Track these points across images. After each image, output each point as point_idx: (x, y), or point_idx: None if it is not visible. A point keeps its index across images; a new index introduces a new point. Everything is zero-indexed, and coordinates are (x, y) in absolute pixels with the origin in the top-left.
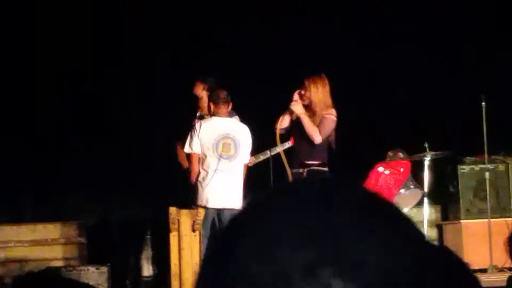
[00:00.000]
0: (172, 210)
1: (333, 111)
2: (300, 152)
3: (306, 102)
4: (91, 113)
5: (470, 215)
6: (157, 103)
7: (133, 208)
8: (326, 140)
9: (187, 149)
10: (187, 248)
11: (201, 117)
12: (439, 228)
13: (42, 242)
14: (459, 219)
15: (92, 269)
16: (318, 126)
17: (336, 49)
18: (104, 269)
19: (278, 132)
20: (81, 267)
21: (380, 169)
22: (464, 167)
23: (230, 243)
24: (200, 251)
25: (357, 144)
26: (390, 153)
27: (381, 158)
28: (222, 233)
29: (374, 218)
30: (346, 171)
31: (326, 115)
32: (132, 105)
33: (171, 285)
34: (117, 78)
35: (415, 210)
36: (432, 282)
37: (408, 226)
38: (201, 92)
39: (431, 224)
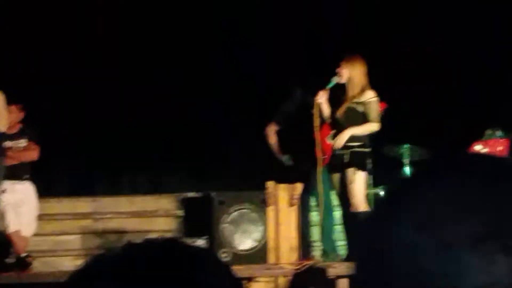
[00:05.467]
0: (270, 184)
1: (373, 93)
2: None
3: (343, 81)
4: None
5: None
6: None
7: (229, 182)
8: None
9: None
10: (284, 223)
11: None
12: None
13: (140, 214)
14: None
15: (189, 242)
16: (367, 112)
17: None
18: (201, 242)
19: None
20: None
21: (477, 147)
22: None
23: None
24: (298, 225)
25: (455, 122)
26: (488, 131)
27: (478, 136)
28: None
29: None
30: (443, 149)
31: (370, 100)
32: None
33: (267, 259)
34: None
35: None
36: None
37: None
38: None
39: None
